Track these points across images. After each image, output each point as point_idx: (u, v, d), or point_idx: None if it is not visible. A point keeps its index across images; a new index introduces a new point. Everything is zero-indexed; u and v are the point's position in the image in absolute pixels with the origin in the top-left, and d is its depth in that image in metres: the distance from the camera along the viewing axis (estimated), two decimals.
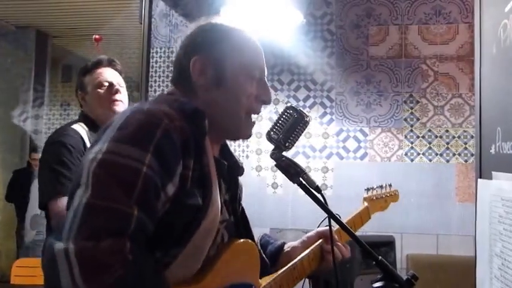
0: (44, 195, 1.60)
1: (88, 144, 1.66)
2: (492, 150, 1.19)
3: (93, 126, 1.73)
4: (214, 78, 0.97)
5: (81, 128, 1.72)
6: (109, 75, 1.77)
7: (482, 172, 1.26)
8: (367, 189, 1.51)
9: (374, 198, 1.49)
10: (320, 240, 1.23)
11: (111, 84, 1.74)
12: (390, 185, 1.58)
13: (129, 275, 0.73)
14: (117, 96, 1.74)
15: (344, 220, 1.30)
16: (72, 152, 1.61)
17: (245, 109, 0.99)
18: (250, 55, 1.00)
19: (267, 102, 1.02)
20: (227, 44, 0.99)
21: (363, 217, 1.42)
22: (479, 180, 1.27)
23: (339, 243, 1.20)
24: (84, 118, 1.78)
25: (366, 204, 1.46)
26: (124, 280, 0.72)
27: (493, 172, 1.16)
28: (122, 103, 1.76)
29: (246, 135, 1.04)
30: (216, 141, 1.01)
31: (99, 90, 1.74)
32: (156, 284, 0.79)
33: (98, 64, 1.78)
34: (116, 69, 1.81)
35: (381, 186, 1.54)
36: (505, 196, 1.07)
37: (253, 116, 1.03)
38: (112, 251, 0.73)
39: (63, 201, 1.45)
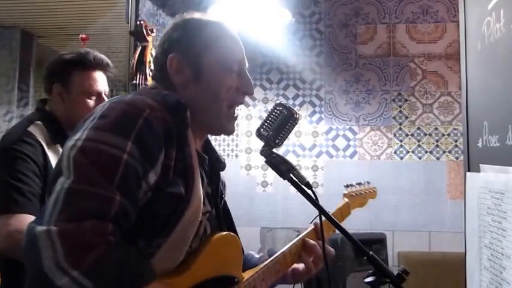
0: None
1: (48, 153, 1.40)
2: (479, 144, 1.20)
3: (55, 127, 1.45)
4: (192, 75, 0.96)
5: (39, 131, 1.42)
6: (100, 82, 1.52)
7: (471, 166, 1.27)
8: (347, 186, 1.54)
9: (354, 194, 1.52)
10: (303, 234, 1.22)
11: (99, 95, 1.51)
12: (368, 182, 1.61)
13: (111, 254, 0.73)
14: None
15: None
16: (28, 161, 1.34)
17: (226, 102, 0.98)
18: (226, 48, 0.99)
19: (248, 92, 1.02)
20: (202, 39, 0.98)
21: (343, 212, 1.45)
22: (467, 173, 1.28)
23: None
24: (47, 115, 1.48)
25: (346, 200, 1.48)
26: (106, 259, 0.72)
27: (480, 165, 1.17)
28: None
29: (228, 130, 1.02)
30: (199, 136, 1.01)
31: (87, 99, 1.49)
32: (140, 266, 0.78)
33: (95, 64, 1.50)
34: (107, 74, 1.58)
35: (360, 183, 1.57)
36: (493, 188, 1.08)
37: (237, 109, 1.02)
38: (94, 232, 0.73)
39: (15, 220, 1.26)
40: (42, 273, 0.70)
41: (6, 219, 1.27)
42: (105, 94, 1.56)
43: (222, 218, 1.05)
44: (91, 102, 1.50)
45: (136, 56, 1.94)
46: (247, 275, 1.04)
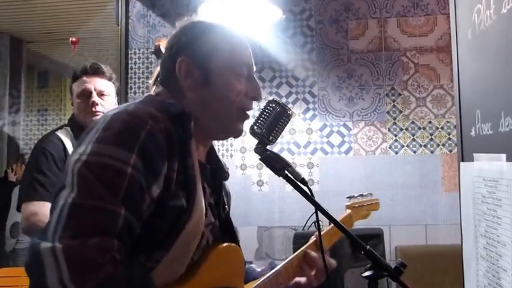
0: (18, 198, 1.65)
1: (70, 150, 1.68)
2: (472, 133, 1.20)
3: (79, 130, 1.73)
4: (201, 78, 0.95)
5: (65, 134, 1.74)
6: (91, 84, 1.74)
7: (464, 155, 1.27)
8: (349, 197, 1.53)
9: (356, 206, 1.51)
10: (305, 246, 1.21)
11: (89, 95, 1.73)
12: (371, 194, 1.60)
13: (118, 274, 0.72)
14: (96, 108, 1.73)
15: (327, 228, 1.30)
16: (49, 158, 1.64)
17: (236, 105, 0.97)
18: (235, 51, 0.99)
19: (256, 98, 1.01)
20: (211, 42, 0.97)
21: (345, 224, 1.43)
22: (461, 163, 1.28)
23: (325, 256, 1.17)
24: (71, 122, 1.79)
25: (348, 211, 1.47)
26: (113, 279, 0.71)
27: (474, 154, 1.17)
28: (103, 113, 1.78)
29: (238, 130, 1.01)
30: (203, 144, 1.00)
31: (78, 100, 1.75)
32: (145, 285, 0.77)
33: (84, 72, 1.77)
34: (103, 76, 1.78)
35: (362, 195, 1.56)
36: (487, 176, 1.07)
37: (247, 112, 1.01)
38: (100, 249, 0.72)
39: (33, 206, 1.57)
40: None
41: (27, 205, 1.59)
42: (101, 94, 1.75)
43: (225, 229, 1.03)
44: (81, 102, 1.75)
45: (156, 72, 1.99)
46: (248, 287, 1.04)
